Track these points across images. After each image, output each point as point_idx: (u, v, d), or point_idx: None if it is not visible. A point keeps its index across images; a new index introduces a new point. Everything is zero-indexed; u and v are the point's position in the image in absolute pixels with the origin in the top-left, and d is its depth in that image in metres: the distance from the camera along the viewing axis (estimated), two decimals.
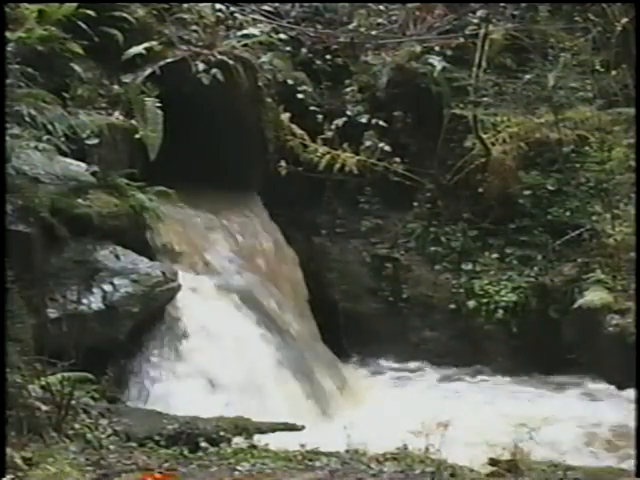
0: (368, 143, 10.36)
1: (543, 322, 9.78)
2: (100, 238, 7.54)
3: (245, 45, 9.73)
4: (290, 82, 10.49)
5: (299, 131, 10.34)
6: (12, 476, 4.61)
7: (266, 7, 10.72)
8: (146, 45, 8.93)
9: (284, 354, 8.42)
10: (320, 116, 10.50)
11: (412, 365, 10.01)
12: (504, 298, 9.91)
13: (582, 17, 10.56)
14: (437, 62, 10.67)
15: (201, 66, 9.00)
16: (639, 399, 6.70)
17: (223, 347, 8.00)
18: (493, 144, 10.52)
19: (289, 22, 10.89)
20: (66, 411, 5.50)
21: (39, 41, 7.57)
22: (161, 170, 8.23)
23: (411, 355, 10.11)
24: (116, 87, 8.81)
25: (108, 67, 8.90)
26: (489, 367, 9.84)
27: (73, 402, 5.59)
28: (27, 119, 6.46)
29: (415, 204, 10.78)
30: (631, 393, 7.69)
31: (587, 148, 10.23)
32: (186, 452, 5.54)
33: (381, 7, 11.53)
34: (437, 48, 10.96)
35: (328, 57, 11.06)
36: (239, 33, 9.77)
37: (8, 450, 4.77)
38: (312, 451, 5.58)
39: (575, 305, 9.27)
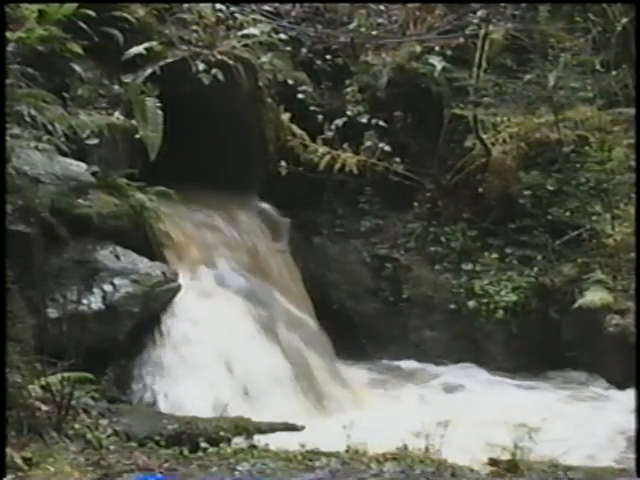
0: (368, 143, 10.38)
1: (543, 322, 9.79)
2: (100, 238, 7.55)
3: (245, 45, 9.74)
4: (290, 82, 10.50)
5: (299, 131, 10.35)
6: (12, 476, 4.61)
7: (266, 7, 10.72)
8: (146, 45, 8.94)
9: (285, 353, 8.42)
10: (320, 116, 10.51)
11: (412, 365, 10.01)
12: (504, 298, 9.91)
13: (582, 17, 10.57)
14: (437, 62, 10.68)
15: (201, 66, 9.01)
16: (639, 399, 6.70)
17: (224, 347, 8.00)
18: (493, 144, 10.53)
19: (289, 22, 10.89)
20: (66, 411, 5.51)
21: (39, 41, 7.56)
22: (161, 170, 8.23)
23: (411, 355, 10.11)
24: (116, 87, 8.81)
25: (108, 67, 8.90)
26: (489, 367, 9.83)
27: (73, 402, 5.60)
28: (27, 119, 6.46)
29: (415, 204, 10.78)
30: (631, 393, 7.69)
31: (587, 148, 10.24)
32: (186, 452, 5.53)
33: (381, 7, 11.54)
34: (437, 48, 10.97)
35: (328, 57, 11.07)
36: (239, 33, 9.78)
37: (8, 450, 4.78)
38: (312, 451, 5.58)
39: (575, 305, 9.27)
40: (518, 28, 10.86)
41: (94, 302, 7.19)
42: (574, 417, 8.17)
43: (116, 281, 7.41)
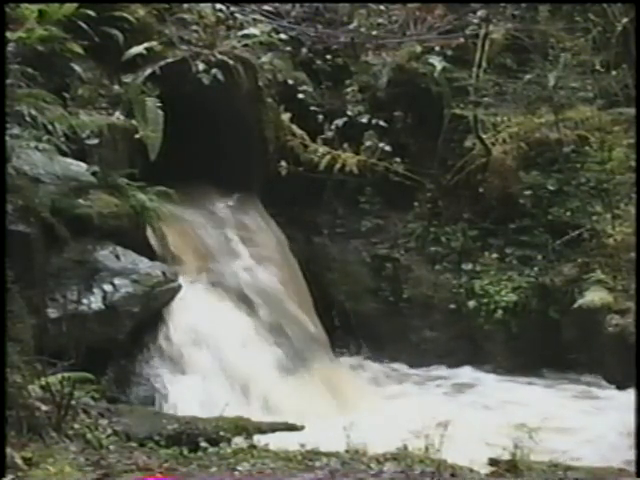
0: (368, 143, 10.38)
1: (543, 322, 9.79)
2: (100, 238, 7.55)
3: (245, 45, 9.73)
4: (290, 82, 10.50)
5: (299, 131, 10.36)
6: (12, 476, 4.61)
7: (266, 7, 10.70)
8: (146, 45, 8.93)
9: (284, 352, 8.43)
10: (320, 116, 10.52)
11: (412, 365, 10.02)
12: (504, 298, 9.91)
13: (582, 17, 10.56)
14: (437, 62, 10.69)
15: (201, 66, 9.00)
16: (639, 399, 6.70)
17: (224, 348, 8.01)
18: (493, 144, 10.53)
19: (289, 22, 10.86)
20: (66, 411, 5.50)
21: (39, 41, 7.55)
22: (161, 170, 8.23)
23: (411, 355, 10.10)
24: (116, 87, 8.81)
25: (108, 67, 8.90)
26: (489, 367, 9.84)
27: (73, 402, 5.59)
28: (27, 119, 6.46)
29: (415, 204, 10.79)
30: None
31: (587, 148, 10.24)
32: (186, 452, 5.53)
33: (381, 7, 11.52)
34: (437, 48, 10.97)
35: (328, 57, 11.08)
36: (239, 33, 9.77)
37: (8, 450, 4.77)
38: (312, 451, 5.57)
39: (575, 305, 9.26)
40: (518, 28, 10.85)
41: (94, 302, 7.19)
42: (576, 416, 8.18)
43: (116, 281, 7.41)
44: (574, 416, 8.20)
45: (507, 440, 5.50)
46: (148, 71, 8.85)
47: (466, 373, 9.80)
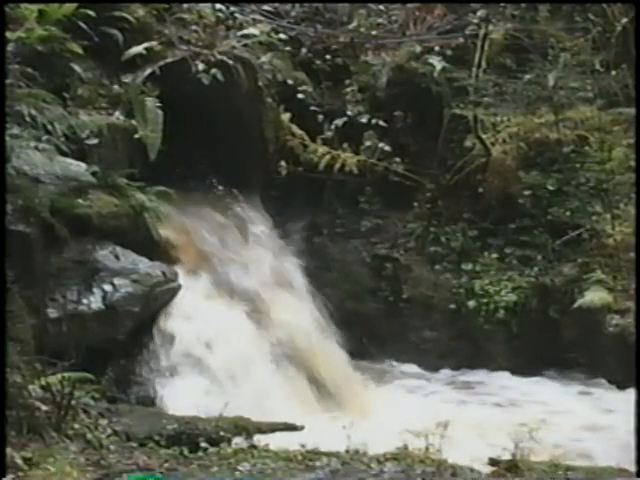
0: (368, 143, 10.38)
1: (543, 322, 9.78)
2: (100, 238, 7.55)
3: (245, 45, 9.73)
4: (290, 82, 10.49)
5: (299, 131, 10.35)
6: (12, 476, 4.61)
7: (266, 7, 10.71)
8: (146, 45, 8.93)
9: (285, 352, 8.43)
10: (320, 116, 10.51)
11: (412, 365, 10.01)
12: (504, 298, 9.91)
13: (582, 17, 10.57)
14: (437, 62, 10.68)
15: (201, 66, 9.00)
16: (639, 399, 6.69)
17: (224, 348, 8.01)
18: (493, 144, 10.53)
19: (289, 22, 10.88)
20: (66, 411, 5.50)
21: (39, 41, 7.55)
22: (161, 170, 8.23)
23: (411, 355, 10.10)
24: (116, 87, 8.81)
25: (108, 67, 8.89)
26: (489, 367, 9.83)
27: (73, 402, 5.59)
28: (27, 119, 6.46)
29: (415, 204, 10.78)
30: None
31: (587, 148, 10.25)
32: (186, 452, 5.53)
33: (381, 7, 11.52)
34: (437, 48, 10.95)
35: (328, 57, 11.06)
36: (239, 33, 9.76)
37: (8, 450, 4.77)
38: (312, 451, 5.57)
39: (575, 305, 9.27)
40: (518, 28, 10.86)
41: (94, 302, 7.20)
42: (573, 417, 8.19)
43: (116, 281, 7.41)
44: (576, 415, 8.20)
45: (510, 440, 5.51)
46: (148, 71, 8.84)
47: (467, 373, 9.80)
